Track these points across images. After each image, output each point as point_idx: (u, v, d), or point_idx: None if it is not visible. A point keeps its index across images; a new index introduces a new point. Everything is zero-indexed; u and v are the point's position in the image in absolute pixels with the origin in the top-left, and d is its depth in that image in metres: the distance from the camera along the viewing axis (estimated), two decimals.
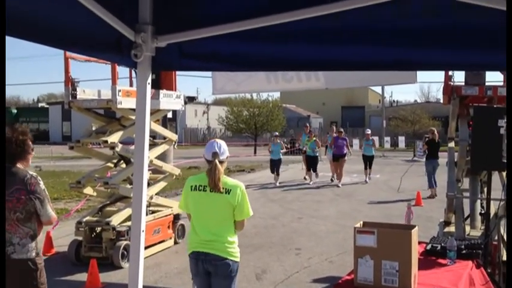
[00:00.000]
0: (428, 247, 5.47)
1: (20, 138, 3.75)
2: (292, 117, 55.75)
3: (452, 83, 6.33)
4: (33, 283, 3.66)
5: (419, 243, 5.17)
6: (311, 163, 16.95)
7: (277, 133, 17.83)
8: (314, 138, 17.04)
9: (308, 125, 19.11)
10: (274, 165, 16.58)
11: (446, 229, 6.53)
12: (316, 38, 1.98)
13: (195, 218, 3.88)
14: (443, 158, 18.06)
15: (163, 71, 7.05)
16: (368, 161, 17.26)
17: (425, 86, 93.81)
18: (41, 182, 3.76)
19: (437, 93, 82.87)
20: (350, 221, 9.93)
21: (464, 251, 4.82)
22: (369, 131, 17.93)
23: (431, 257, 5.36)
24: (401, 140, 37.91)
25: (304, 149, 17.10)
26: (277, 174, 16.61)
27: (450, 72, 6.39)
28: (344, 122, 59.75)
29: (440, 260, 5.05)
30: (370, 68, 2.23)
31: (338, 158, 16.46)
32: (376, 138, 38.23)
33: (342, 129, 17.76)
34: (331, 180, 17.28)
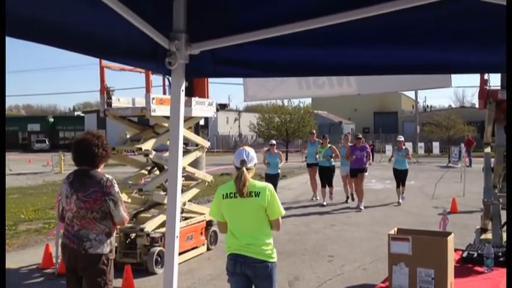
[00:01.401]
0: (465, 254, 5.35)
1: (104, 143, 4.15)
2: (323, 123, 55.43)
3: (488, 87, 6.19)
4: (103, 278, 3.99)
5: (456, 250, 5.06)
6: (325, 176, 13.64)
7: (273, 141, 13.67)
8: (329, 145, 13.79)
9: (314, 132, 15.26)
10: (270, 182, 13.36)
11: (483, 236, 6.38)
12: (349, 43, 1.98)
13: (231, 223, 4.03)
14: (478, 164, 17.66)
15: (196, 78, 7.14)
16: (400, 177, 13.62)
17: (460, 90, 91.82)
18: (116, 185, 4.09)
19: (472, 97, 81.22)
20: (383, 227, 9.79)
21: (501, 258, 4.71)
22: (401, 138, 14.02)
23: (468, 265, 5.25)
24: (436, 145, 37.20)
25: (318, 156, 13.64)
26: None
27: (486, 76, 6.25)
28: (376, 128, 59.07)
29: (477, 268, 4.94)
30: (404, 71, 2.21)
31: (356, 173, 13.05)
32: (409, 145, 37.62)
33: (360, 135, 14.11)
34: (346, 200, 14.06)
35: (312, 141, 14.38)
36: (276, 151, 13.13)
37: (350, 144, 14.09)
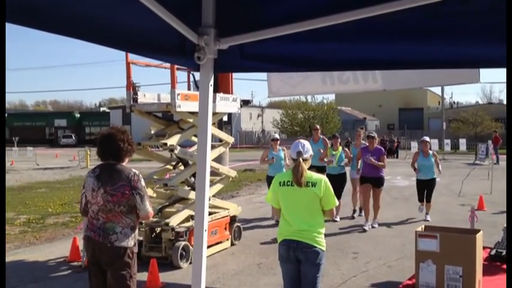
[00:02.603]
0: (493, 252, 5.27)
1: (129, 138, 4.22)
2: (347, 119, 55.10)
3: None
4: (127, 270, 4.05)
5: (484, 248, 4.98)
6: (335, 186, 9.56)
7: (276, 136, 11.24)
8: (342, 147, 11.10)
9: (318, 127, 11.93)
10: None
11: None
12: (375, 37, 1.96)
13: (286, 210, 4.26)
14: (506, 161, 17.33)
15: (224, 72, 7.15)
16: (425, 189, 10.52)
17: (488, 86, 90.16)
18: (142, 179, 4.16)
19: (500, 93, 79.57)
20: (408, 225, 9.71)
21: None
22: (426, 139, 10.69)
23: (496, 263, 5.16)
24: (462, 142, 36.57)
25: (328, 160, 10.43)
26: None
27: (506, 69, 6.11)
28: (401, 124, 58.43)
29: (506, 266, 4.85)
30: (431, 66, 2.18)
31: (373, 183, 9.95)
32: (435, 142, 36.97)
33: (374, 134, 10.57)
34: (353, 215, 11.16)
35: (315, 139, 11.04)
36: (280, 148, 10.50)
37: (363, 142, 11.12)
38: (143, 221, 7.50)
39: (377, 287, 6.48)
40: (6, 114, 71.36)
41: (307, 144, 4.40)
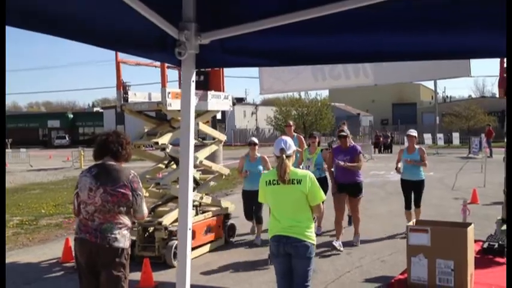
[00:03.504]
0: (485, 245, 5.27)
1: (128, 142, 4.22)
2: (341, 115, 55.00)
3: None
4: (123, 271, 4.03)
5: (476, 241, 4.99)
6: None
7: (255, 139, 8.87)
8: (320, 149, 9.14)
9: (291, 123, 10.30)
10: (251, 203, 8.38)
11: (504, 227, 6.26)
12: (364, 29, 1.93)
13: (274, 208, 4.37)
14: (499, 155, 17.38)
15: (206, 68, 7.11)
16: (412, 191, 8.69)
17: (480, 80, 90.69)
18: (139, 180, 4.19)
19: (492, 87, 79.83)
20: (402, 219, 9.68)
21: None
22: (413, 133, 8.79)
23: (489, 256, 5.16)
24: (456, 136, 36.72)
25: (302, 166, 8.50)
26: (259, 222, 8.50)
27: (505, 64, 6.12)
28: (395, 119, 58.53)
29: (498, 259, 4.86)
30: (421, 58, 2.15)
31: (349, 191, 8.20)
32: (428, 137, 37.06)
33: (346, 131, 8.58)
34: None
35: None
36: (258, 155, 8.55)
37: (336, 142, 9.46)
38: (136, 221, 7.47)
39: (371, 282, 6.47)
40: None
41: (289, 140, 4.45)
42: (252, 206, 8.48)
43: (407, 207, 8.84)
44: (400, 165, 8.90)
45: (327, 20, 1.85)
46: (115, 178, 3.99)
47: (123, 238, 4.02)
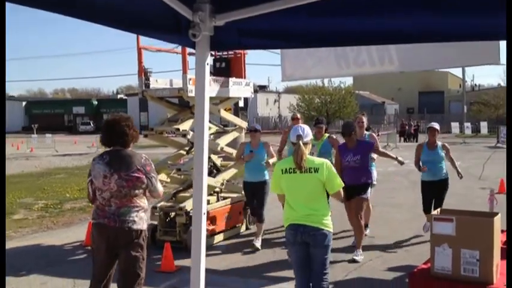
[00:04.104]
0: None
1: (133, 124, 4.28)
2: (365, 104, 54.50)
3: None
4: (141, 252, 4.16)
5: (503, 231, 4.85)
6: None
7: (257, 125, 8.08)
8: (326, 135, 8.01)
9: (299, 116, 9.18)
10: (253, 197, 7.57)
11: None
12: (386, 9, 1.84)
13: (291, 196, 4.28)
14: None
15: (221, 50, 7.03)
16: (433, 195, 7.51)
17: None
18: (151, 162, 4.28)
19: None
20: None
21: None
22: (434, 125, 7.55)
23: None
24: (484, 125, 35.99)
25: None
26: (259, 220, 7.52)
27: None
28: (421, 108, 57.67)
29: (506, 265, 4.71)
30: (448, 39, 2.04)
31: (352, 193, 6.65)
32: (456, 125, 36.33)
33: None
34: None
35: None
36: (261, 142, 7.58)
37: (340, 139, 7.75)
38: (158, 206, 7.53)
39: (393, 271, 6.40)
40: (25, 102, 72.39)
41: (307, 128, 4.43)
42: (252, 202, 7.58)
43: (427, 210, 7.49)
44: (421, 163, 7.51)
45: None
46: (128, 164, 4.10)
47: (141, 220, 4.16)
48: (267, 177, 7.42)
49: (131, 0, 1.87)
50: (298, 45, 2.34)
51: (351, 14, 1.87)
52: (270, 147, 7.63)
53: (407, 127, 37.04)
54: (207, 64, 2.00)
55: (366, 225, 7.89)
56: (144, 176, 4.12)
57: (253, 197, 7.57)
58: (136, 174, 4.09)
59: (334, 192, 4.29)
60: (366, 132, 8.12)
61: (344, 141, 7.17)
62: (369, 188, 7.05)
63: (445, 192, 7.55)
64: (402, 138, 34.89)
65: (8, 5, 1.66)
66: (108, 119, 4.38)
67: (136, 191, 4.12)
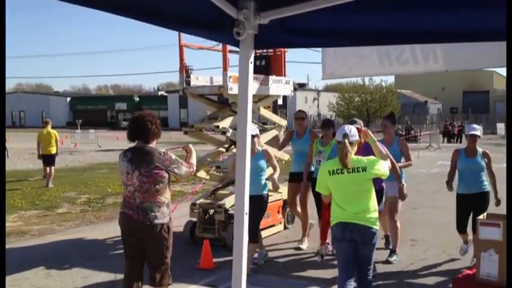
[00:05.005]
0: None
1: (156, 121, 4.48)
2: (407, 103, 53.50)
3: None
4: (164, 243, 4.43)
5: None
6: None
7: (255, 130, 6.41)
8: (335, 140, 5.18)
9: (304, 115, 7.92)
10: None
11: None
12: (433, 7, 1.77)
13: (339, 196, 4.38)
14: None
15: (265, 48, 6.99)
16: (470, 210, 6.34)
17: None
18: (170, 153, 4.46)
19: None
20: None
21: None
22: (475, 132, 6.41)
23: None
24: None
25: (316, 161, 6.80)
26: (252, 241, 5.86)
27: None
28: (465, 108, 56.17)
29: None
30: (495, 38, 1.95)
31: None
32: (501, 126, 34.95)
33: (357, 126, 4.94)
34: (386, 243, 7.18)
35: (300, 133, 7.55)
36: (259, 149, 6.39)
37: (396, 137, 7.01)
38: (197, 203, 7.58)
39: (436, 276, 6.24)
40: (70, 98, 74.52)
41: (353, 128, 4.48)
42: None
43: (461, 229, 6.59)
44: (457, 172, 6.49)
45: None
46: (148, 161, 4.32)
47: (163, 215, 4.39)
48: (264, 191, 6.28)
49: (178, 0, 1.86)
50: (344, 43, 2.29)
51: (407, 10, 1.80)
52: (272, 157, 6.43)
53: (450, 127, 36.13)
54: (251, 62, 1.98)
55: (387, 237, 7.17)
56: (164, 171, 4.35)
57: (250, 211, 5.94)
58: (155, 171, 4.31)
59: (390, 172, 4.55)
60: (395, 136, 7.09)
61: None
62: (382, 198, 5.98)
63: (485, 209, 6.03)
64: (445, 139, 34.06)
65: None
66: (134, 115, 4.64)
67: (157, 186, 4.34)
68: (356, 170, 4.27)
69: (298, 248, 7.39)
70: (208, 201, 7.74)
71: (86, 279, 6.20)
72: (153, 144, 4.47)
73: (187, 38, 7.72)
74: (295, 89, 9.05)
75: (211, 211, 7.61)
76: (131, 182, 4.35)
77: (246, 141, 1.97)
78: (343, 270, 4.44)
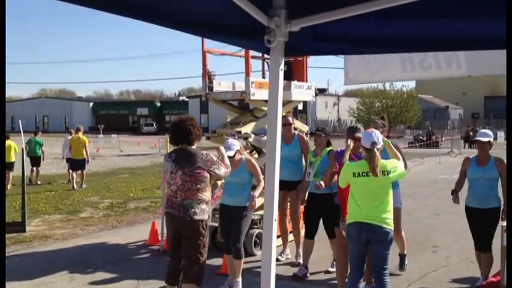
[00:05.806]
0: None
1: (196, 124, 4.84)
2: (428, 108, 52.94)
3: None
4: (201, 240, 4.71)
5: None
6: (323, 213, 6.05)
7: (231, 142, 5.65)
8: (329, 149, 6.05)
9: (291, 120, 7.18)
10: (229, 224, 5.71)
11: None
12: (459, 15, 1.77)
13: (359, 197, 4.47)
14: None
15: (296, 56, 7.01)
16: (478, 226, 5.69)
17: None
18: (211, 155, 4.79)
19: None
20: None
21: None
22: (485, 137, 5.58)
23: None
24: None
25: (308, 173, 6.20)
26: (237, 257, 5.64)
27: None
28: (487, 113, 55.32)
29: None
30: None
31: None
32: None
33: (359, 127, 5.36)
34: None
35: (288, 138, 6.91)
36: (242, 156, 5.72)
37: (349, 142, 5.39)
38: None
39: (458, 283, 6.16)
40: (92, 103, 75.52)
41: (379, 134, 4.52)
42: (229, 228, 5.67)
43: (480, 246, 5.77)
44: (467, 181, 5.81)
45: (423, 5, 1.72)
46: (192, 162, 4.63)
47: (202, 212, 4.69)
48: (247, 203, 5.64)
49: (208, 6, 1.89)
50: (371, 50, 2.29)
51: (429, 19, 1.81)
52: (256, 168, 5.69)
53: (472, 133, 35.65)
54: (281, 70, 2.00)
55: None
56: (205, 171, 4.66)
57: (231, 224, 5.66)
58: (198, 171, 4.63)
59: (405, 174, 4.77)
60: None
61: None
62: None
63: (495, 226, 5.53)
64: (467, 144, 33.61)
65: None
66: (175, 120, 4.93)
67: (198, 185, 4.64)
68: (382, 173, 4.38)
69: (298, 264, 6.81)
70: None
71: (109, 284, 6.27)
72: (195, 146, 4.79)
73: (209, 44, 7.79)
74: (316, 95, 9.04)
75: None
76: (174, 181, 4.67)
77: (276, 148, 1.99)
78: (354, 268, 4.66)
